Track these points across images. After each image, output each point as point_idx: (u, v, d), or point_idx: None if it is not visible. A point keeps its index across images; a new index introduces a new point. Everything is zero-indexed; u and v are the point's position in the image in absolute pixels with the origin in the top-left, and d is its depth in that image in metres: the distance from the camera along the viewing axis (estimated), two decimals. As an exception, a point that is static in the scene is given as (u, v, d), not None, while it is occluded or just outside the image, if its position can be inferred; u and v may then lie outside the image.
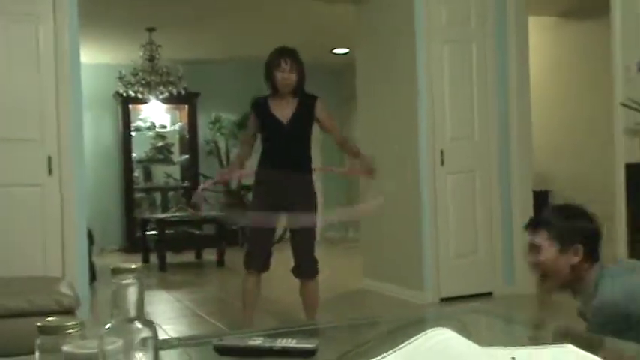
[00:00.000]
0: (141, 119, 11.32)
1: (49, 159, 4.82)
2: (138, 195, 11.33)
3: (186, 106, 11.35)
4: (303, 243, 4.87)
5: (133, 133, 11.09)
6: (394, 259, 6.59)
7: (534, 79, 6.86)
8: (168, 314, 6.24)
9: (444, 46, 6.27)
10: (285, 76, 4.74)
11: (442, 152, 6.23)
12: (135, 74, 9.69)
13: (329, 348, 1.44)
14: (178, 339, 2.06)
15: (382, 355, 1.19)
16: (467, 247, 6.33)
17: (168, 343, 1.61)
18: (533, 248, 2.53)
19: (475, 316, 1.83)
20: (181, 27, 9.24)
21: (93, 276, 6.34)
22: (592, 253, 2.51)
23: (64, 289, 3.66)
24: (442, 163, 6.23)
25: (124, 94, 10.11)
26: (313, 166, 4.99)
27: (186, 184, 11.46)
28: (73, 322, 1.08)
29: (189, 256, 9.93)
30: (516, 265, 6.44)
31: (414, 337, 1.19)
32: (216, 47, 10.53)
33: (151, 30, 9.22)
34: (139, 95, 9.82)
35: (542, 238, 2.50)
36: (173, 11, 8.47)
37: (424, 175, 6.20)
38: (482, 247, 6.38)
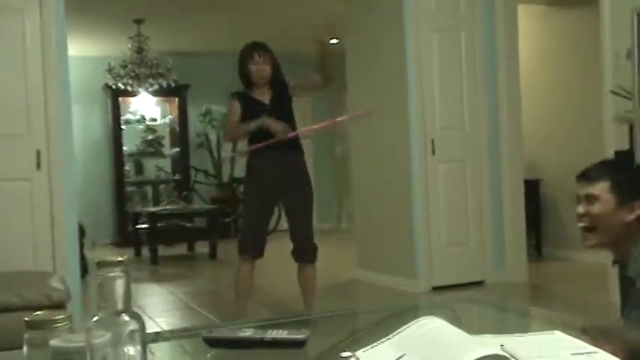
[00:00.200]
0: (131, 112, 11.27)
1: (38, 153, 4.79)
2: (129, 188, 11.30)
3: (177, 98, 11.31)
4: (302, 227, 4.89)
5: (123, 127, 11.05)
6: (386, 249, 6.60)
7: (524, 67, 6.86)
8: (161, 307, 6.24)
9: (433, 34, 6.27)
10: (260, 68, 4.84)
11: (433, 141, 6.23)
12: (124, 66, 9.65)
13: (320, 338, 1.44)
14: (170, 331, 2.06)
15: (373, 344, 1.19)
16: (458, 236, 6.34)
17: (160, 336, 1.61)
18: (589, 199, 2.42)
19: (466, 304, 1.83)
20: (170, 18, 9.20)
21: (84, 270, 6.33)
22: None
23: (55, 283, 3.64)
24: (433, 152, 6.23)
25: (114, 87, 10.07)
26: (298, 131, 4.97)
27: (177, 176, 11.44)
28: (61, 316, 1.07)
29: (181, 249, 9.93)
30: (507, 254, 6.47)
31: (405, 326, 1.19)
32: (206, 39, 10.49)
33: (139, 22, 9.18)
34: (129, 88, 9.78)
35: (601, 190, 2.39)
36: (161, 2, 8.44)
37: (415, 165, 6.21)
38: (474, 236, 6.40)
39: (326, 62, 4.95)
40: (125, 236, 10.50)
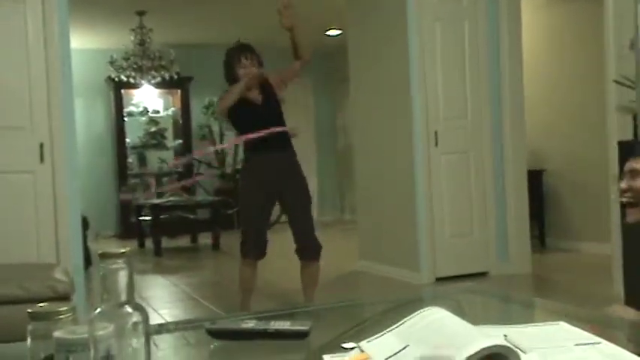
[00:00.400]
0: (133, 104, 11.28)
1: (41, 146, 4.79)
2: (132, 180, 11.31)
3: (179, 90, 11.31)
4: (303, 224, 4.89)
5: (125, 119, 11.05)
6: (389, 241, 6.60)
7: (527, 57, 6.85)
8: (165, 299, 6.25)
9: (436, 24, 6.25)
10: (248, 70, 4.83)
11: (436, 133, 6.22)
12: (126, 59, 9.64)
13: (323, 330, 1.44)
14: (174, 323, 2.06)
15: (377, 335, 1.19)
16: (461, 227, 6.34)
17: (164, 328, 1.61)
18: (633, 174, 2.42)
19: (470, 295, 1.83)
20: (172, 10, 9.18)
21: (88, 262, 6.34)
22: None
23: (59, 275, 3.65)
24: (436, 143, 6.22)
25: (116, 79, 10.07)
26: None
27: (180, 169, 11.44)
28: (65, 308, 1.07)
29: (184, 241, 9.94)
30: (511, 245, 6.46)
31: (409, 317, 1.19)
32: (209, 31, 10.48)
33: (141, 13, 9.17)
34: (131, 80, 9.78)
35: None
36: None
37: (418, 156, 6.20)
38: (477, 227, 6.39)
39: (299, 44, 4.92)
40: (128, 228, 10.51)
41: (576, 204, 7.61)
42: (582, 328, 1.18)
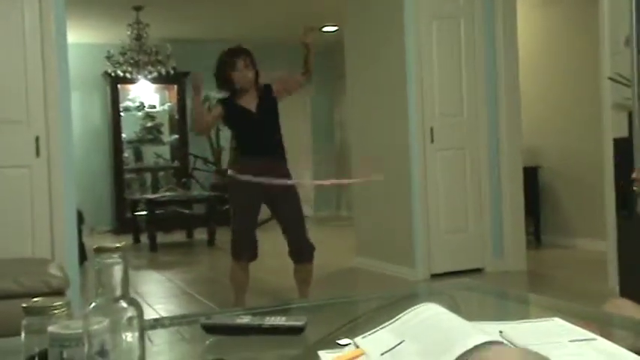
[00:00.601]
0: (130, 99, 11.27)
1: (37, 140, 4.78)
2: (128, 175, 11.31)
3: (175, 85, 11.30)
4: (296, 229, 4.87)
5: (122, 114, 11.05)
6: (385, 237, 6.61)
7: (523, 54, 6.85)
8: (160, 294, 6.25)
9: (433, 21, 6.26)
10: (243, 73, 4.81)
11: (432, 129, 6.22)
12: (123, 54, 9.64)
13: (318, 325, 1.44)
14: (169, 318, 2.06)
15: (372, 331, 1.19)
16: (457, 223, 6.35)
17: (159, 323, 1.61)
18: None
19: (465, 292, 1.83)
20: (169, 5, 9.17)
21: (83, 257, 6.33)
22: None
23: (54, 270, 3.64)
24: (432, 140, 6.23)
25: (113, 74, 10.06)
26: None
27: (176, 164, 11.44)
28: (59, 303, 1.07)
29: (179, 236, 9.93)
30: (506, 241, 6.47)
31: (404, 313, 1.19)
32: (205, 26, 10.47)
33: (138, 8, 9.16)
34: (128, 75, 9.78)
35: None
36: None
37: (414, 153, 6.20)
38: (473, 224, 6.40)
39: (309, 61, 4.91)
40: (124, 223, 10.50)
41: (571, 201, 7.63)
42: (577, 325, 1.18)
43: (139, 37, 9.50)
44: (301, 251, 4.87)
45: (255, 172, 4.73)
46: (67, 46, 5.02)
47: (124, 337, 0.98)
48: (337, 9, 7.83)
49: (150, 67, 9.71)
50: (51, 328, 1.01)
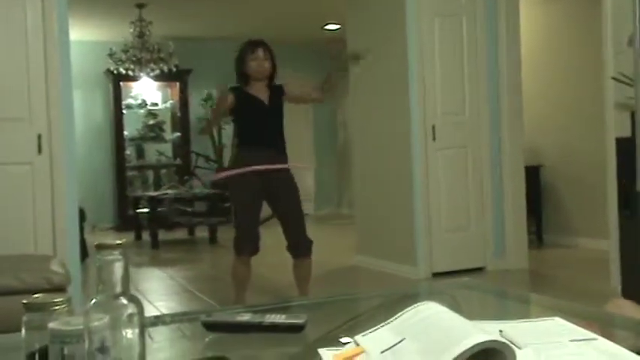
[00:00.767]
0: (132, 97, 11.28)
1: (39, 137, 4.79)
2: (130, 173, 11.32)
3: (178, 83, 11.31)
4: (295, 223, 4.87)
5: (124, 111, 11.06)
6: (387, 235, 6.61)
7: (525, 53, 6.84)
8: (161, 291, 6.25)
9: (435, 19, 6.25)
10: (260, 63, 4.85)
11: (433, 127, 6.22)
12: (125, 51, 9.64)
13: (319, 323, 1.44)
14: (170, 315, 2.06)
15: (371, 329, 1.19)
16: (458, 222, 6.34)
17: (160, 320, 1.61)
18: None
19: (466, 290, 1.83)
20: (171, 3, 9.17)
21: (85, 254, 6.34)
22: None
23: (55, 267, 3.64)
24: (434, 138, 6.22)
25: (115, 72, 10.06)
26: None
27: (178, 161, 11.44)
28: (60, 299, 1.07)
29: (181, 234, 9.94)
30: (507, 240, 6.47)
31: (404, 311, 1.18)
32: (208, 24, 10.47)
33: (140, 6, 9.16)
34: (130, 72, 9.77)
35: None
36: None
37: (416, 151, 6.20)
38: (474, 223, 6.40)
39: (332, 80, 4.97)
40: (126, 220, 10.52)
41: (573, 200, 7.62)
42: (578, 324, 1.18)
43: (141, 35, 9.50)
44: (299, 245, 4.87)
45: (257, 163, 4.74)
46: (70, 43, 5.02)
47: (124, 333, 0.98)
48: (339, 7, 7.83)
49: (152, 65, 9.71)
50: (51, 325, 1.01)
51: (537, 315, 1.37)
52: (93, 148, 10.98)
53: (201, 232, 9.62)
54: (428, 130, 6.21)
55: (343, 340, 1.22)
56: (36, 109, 4.81)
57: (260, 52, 4.85)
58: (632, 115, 4.89)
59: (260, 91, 4.88)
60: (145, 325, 1.04)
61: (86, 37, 10.25)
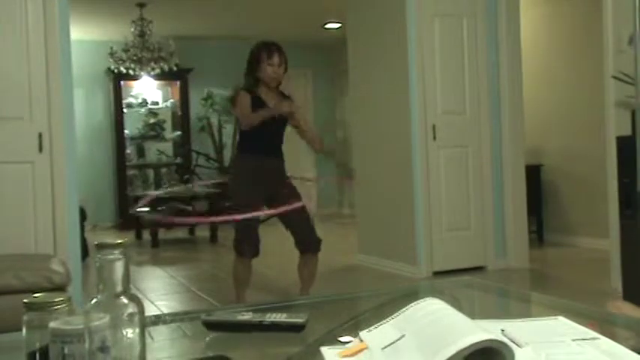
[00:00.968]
0: (133, 96, 11.28)
1: (40, 136, 4.78)
2: (130, 172, 11.32)
3: (178, 82, 11.31)
4: (301, 223, 4.86)
5: (124, 110, 11.06)
6: (387, 234, 6.60)
7: (525, 52, 6.84)
8: (161, 291, 6.25)
9: (435, 18, 6.24)
10: (276, 70, 4.79)
11: (434, 127, 6.22)
12: (126, 50, 9.63)
13: (319, 322, 1.43)
14: (170, 315, 2.06)
15: (373, 326, 1.19)
16: (459, 221, 6.34)
17: (160, 319, 1.61)
18: None
19: (467, 290, 1.83)
20: (172, 2, 9.17)
21: (85, 253, 6.34)
22: None
23: (55, 266, 3.64)
24: (434, 137, 6.22)
25: (116, 71, 10.06)
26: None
27: (178, 160, 11.44)
28: (60, 298, 1.07)
29: (182, 233, 9.93)
30: (508, 239, 6.46)
31: (406, 307, 1.18)
32: (208, 23, 10.46)
33: (141, 5, 9.16)
34: (131, 71, 9.77)
35: None
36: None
37: (416, 150, 6.20)
38: (475, 222, 6.39)
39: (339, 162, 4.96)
40: (126, 219, 10.51)
41: (574, 199, 7.62)
42: (581, 324, 1.18)
43: (142, 34, 9.49)
44: (309, 241, 4.86)
45: (263, 173, 4.73)
46: (71, 42, 5.02)
47: (124, 333, 0.98)
48: (340, 6, 7.82)
49: (153, 64, 9.71)
50: (52, 324, 1.01)
51: (539, 314, 1.37)
52: (93, 147, 10.98)
53: (202, 232, 9.62)
54: (428, 129, 6.20)
55: (344, 339, 1.22)
56: (37, 108, 4.80)
57: (276, 58, 4.76)
58: (633, 114, 4.89)
59: (270, 97, 4.84)
60: (146, 324, 1.04)
61: (87, 36, 10.25)
